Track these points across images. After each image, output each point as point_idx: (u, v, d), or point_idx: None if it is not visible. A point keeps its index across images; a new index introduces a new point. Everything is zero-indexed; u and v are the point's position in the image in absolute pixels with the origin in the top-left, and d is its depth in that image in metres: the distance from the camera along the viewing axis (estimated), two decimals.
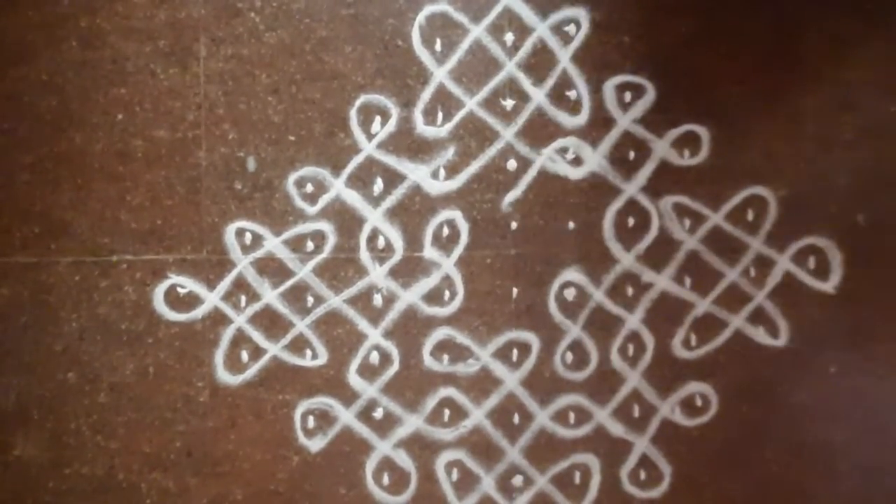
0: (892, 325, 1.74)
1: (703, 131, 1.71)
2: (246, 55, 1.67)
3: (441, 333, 1.70)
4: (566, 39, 1.70)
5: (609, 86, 1.70)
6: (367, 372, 1.69)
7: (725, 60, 1.70)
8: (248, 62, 1.67)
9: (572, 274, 1.71)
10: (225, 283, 1.67)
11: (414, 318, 1.70)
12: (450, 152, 1.69)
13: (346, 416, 1.69)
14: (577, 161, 1.71)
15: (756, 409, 1.73)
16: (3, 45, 1.65)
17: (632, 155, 1.71)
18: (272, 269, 1.68)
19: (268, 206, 1.68)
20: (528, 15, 1.69)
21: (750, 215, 1.72)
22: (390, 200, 1.69)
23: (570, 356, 1.71)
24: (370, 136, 1.69)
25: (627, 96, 1.70)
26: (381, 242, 1.69)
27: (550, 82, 1.70)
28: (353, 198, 1.69)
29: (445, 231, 1.70)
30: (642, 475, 1.72)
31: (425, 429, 1.70)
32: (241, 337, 1.68)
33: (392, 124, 1.68)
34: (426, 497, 1.69)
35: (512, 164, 1.70)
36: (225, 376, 1.67)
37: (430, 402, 1.70)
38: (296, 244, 1.69)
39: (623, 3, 1.70)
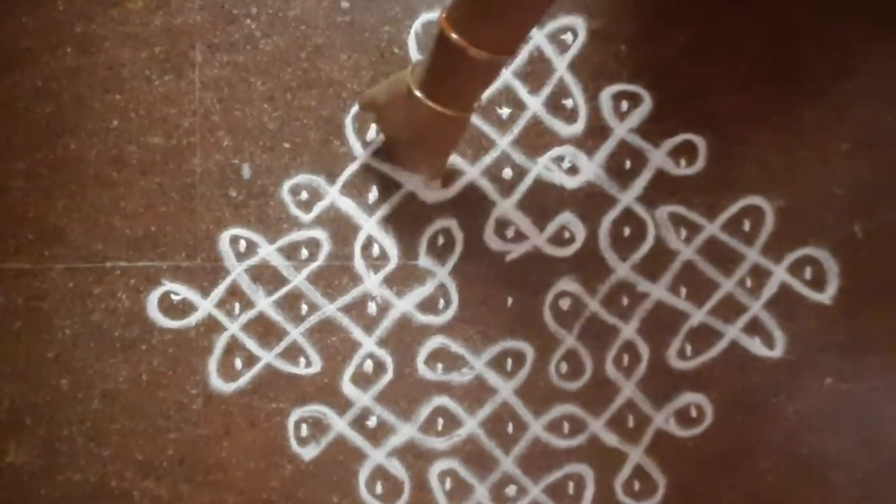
0: (889, 337, 1.73)
1: (699, 141, 1.70)
2: (241, 62, 1.67)
3: (435, 342, 1.69)
4: (563, 48, 1.69)
5: (606, 95, 1.69)
6: (361, 380, 1.69)
7: (723, 70, 1.69)
8: (243, 69, 1.67)
9: (567, 283, 1.70)
10: (219, 291, 1.67)
11: (408, 326, 1.69)
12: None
13: (340, 425, 1.68)
14: (573, 170, 1.70)
15: (751, 419, 1.72)
16: None
17: (628, 164, 1.70)
18: (266, 276, 1.68)
19: (262, 213, 1.67)
20: None
21: (746, 226, 1.71)
22: (385, 208, 1.69)
23: (564, 366, 1.70)
24: (365, 144, 1.68)
25: (624, 105, 1.69)
26: (375, 250, 1.69)
27: (547, 91, 1.69)
28: (348, 205, 1.68)
29: (440, 240, 1.69)
30: (636, 486, 1.71)
31: (419, 438, 1.69)
32: (235, 344, 1.67)
33: None
34: None
35: (507, 173, 1.69)
36: (218, 384, 1.67)
37: (424, 411, 1.69)
38: (290, 252, 1.68)
39: (621, 12, 1.69)
